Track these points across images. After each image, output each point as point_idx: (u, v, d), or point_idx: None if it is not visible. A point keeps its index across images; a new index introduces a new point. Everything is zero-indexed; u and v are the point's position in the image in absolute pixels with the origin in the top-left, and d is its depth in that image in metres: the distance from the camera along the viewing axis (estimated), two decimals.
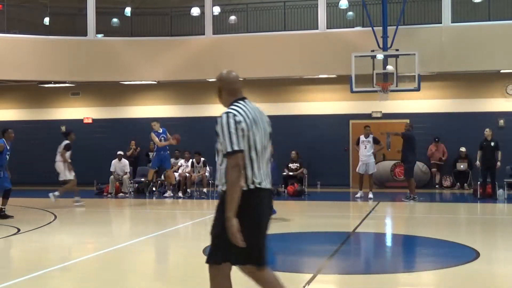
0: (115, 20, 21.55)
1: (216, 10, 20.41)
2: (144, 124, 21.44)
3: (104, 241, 11.02)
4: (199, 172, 18.25)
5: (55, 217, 13.26)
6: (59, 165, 15.34)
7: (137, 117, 21.85)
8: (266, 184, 4.55)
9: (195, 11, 20.20)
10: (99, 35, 20.30)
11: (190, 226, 12.52)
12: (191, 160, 18.46)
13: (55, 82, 21.16)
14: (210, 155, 19.34)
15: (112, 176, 18.18)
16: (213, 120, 16.73)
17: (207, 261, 4.60)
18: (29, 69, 19.35)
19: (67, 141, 15.35)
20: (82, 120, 22.40)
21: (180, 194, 17.81)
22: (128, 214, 15.19)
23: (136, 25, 21.35)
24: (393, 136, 17.47)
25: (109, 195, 17.69)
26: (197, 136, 20.97)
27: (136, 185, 18.86)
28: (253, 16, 20.53)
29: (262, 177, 4.51)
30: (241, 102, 4.59)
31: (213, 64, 19.63)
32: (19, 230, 11.28)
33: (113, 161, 18.31)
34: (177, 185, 18.13)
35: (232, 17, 20.91)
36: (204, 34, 19.99)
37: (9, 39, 19.32)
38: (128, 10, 21.22)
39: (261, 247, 4.60)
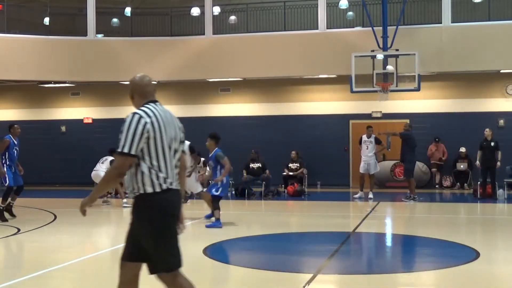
0: (115, 20, 21.55)
1: (216, 10, 20.41)
2: None
3: (103, 241, 11.03)
4: (199, 172, 18.22)
5: (55, 217, 13.26)
6: (100, 174, 15.41)
7: None
8: (175, 185, 4.57)
9: (195, 11, 20.19)
10: (99, 35, 20.31)
11: (189, 226, 12.51)
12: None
13: (55, 82, 21.15)
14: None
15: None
16: (213, 120, 16.71)
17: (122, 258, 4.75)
18: (29, 69, 19.35)
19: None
20: (82, 120, 22.41)
21: None
22: (128, 214, 15.17)
23: (136, 25, 21.35)
24: (393, 136, 17.45)
25: (108, 195, 17.66)
26: (196, 137, 20.94)
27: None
28: (253, 16, 20.53)
29: (171, 178, 4.51)
30: (151, 104, 4.59)
31: (213, 64, 19.68)
32: (19, 230, 11.29)
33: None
34: None
35: (232, 17, 20.90)
36: (204, 34, 20.00)
37: (9, 39, 19.31)
38: (128, 10, 21.22)
39: (176, 248, 4.62)
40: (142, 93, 4.69)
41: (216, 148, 12.31)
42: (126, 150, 4.34)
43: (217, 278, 7.52)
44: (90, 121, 22.39)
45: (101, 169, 15.67)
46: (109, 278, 7.53)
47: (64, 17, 22.10)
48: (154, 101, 4.65)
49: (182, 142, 4.72)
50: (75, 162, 21.23)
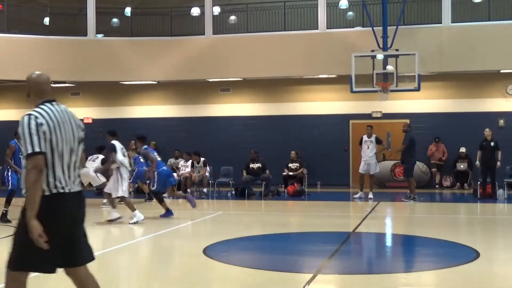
0: (115, 20, 21.56)
1: (216, 10, 20.41)
2: (145, 124, 21.50)
3: (103, 241, 11.02)
4: (199, 172, 18.27)
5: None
6: (89, 171, 15.46)
7: (137, 117, 21.87)
8: (73, 188, 4.49)
9: (195, 11, 20.20)
10: (99, 35, 20.32)
11: (190, 226, 12.52)
12: (190, 160, 18.46)
13: (55, 82, 21.10)
14: (210, 155, 19.42)
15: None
16: (213, 120, 16.73)
17: (8, 266, 4.47)
18: (29, 69, 18.90)
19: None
20: (82, 120, 22.38)
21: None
22: (128, 214, 15.17)
23: (136, 25, 21.36)
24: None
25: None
26: (196, 136, 21.00)
27: (136, 185, 18.81)
28: (253, 16, 20.54)
29: (66, 181, 4.44)
30: (47, 104, 4.52)
31: (213, 64, 19.69)
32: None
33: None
34: (177, 185, 18.13)
35: (232, 17, 20.91)
36: (204, 34, 20.01)
37: (9, 39, 19.33)
38: (128, 10, 21.23)
39: (62, 251, 4.50)
40: (38, 91, 4.60)
41: (143, 147, 13.20)
42: (36, 149, 4.27)
43: (216, 278, 7.52)
44: (90, 121, 22.37)
45: (91, 166, 15.60)
46: (108, 278, 7.54)
47: (64, 17, 22.11)
48: (51, 101, 4.58)
49: (81, 141, 4.66)
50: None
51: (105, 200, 15.20)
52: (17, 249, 4.44)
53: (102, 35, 20.56)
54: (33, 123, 4.32)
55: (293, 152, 18.96)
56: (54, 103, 4.57)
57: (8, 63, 18.98)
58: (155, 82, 21.01)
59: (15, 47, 19.24)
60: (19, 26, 20.73)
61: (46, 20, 20.97)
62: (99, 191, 16.12)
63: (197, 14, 20.20)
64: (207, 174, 18.26)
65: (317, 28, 19.41)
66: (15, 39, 19.43)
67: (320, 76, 20.14)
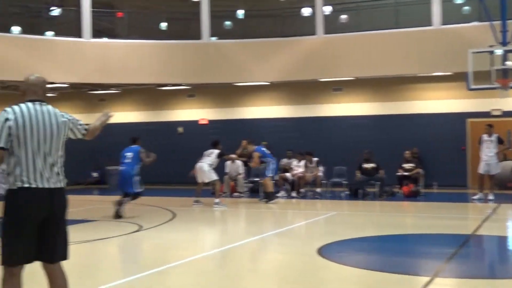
0: (228, 23, 22.02)
1: (327, 9, 20.33)
2: (257, 125, 21.81)
3: (220, 239, 11.32)
4: (312, 172, 18.30)
5: (174, 215, 13.74)
6: (204, 167, 15.91)
7: (250, 118, 22.21)
8: (40, 184, 4.63)
9: (306, 11, 20.25)
10: (213, 38, 20.79)
11: (304, 226, 12.58)
12: (303, 160, 18.53)
13: (172, 85, 21.90)
14: (323, 155, 19.40)
15: (226, 176, 18.60)
16: (326, 120, 16.77)
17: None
18: (148, 72, 20.11)
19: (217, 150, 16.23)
20: (197, 121, 23.05)
21: (294, 194, 18.00)
22: (243, 213, 15.48)
23: (248, 27, 21.69)
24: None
25: (223, 194, 18.08)
26: (309, 136, 21.03)
27: (251, 184, 19.15)
28: (364, 14, 20.29)
29: (36, 177, 4.61)
30: (28, 103, 4.77)
31: (324, 64, 19.63)
32: (141, 227, 11.81)
33: (227, 162, 18.67)
34: (291, 185, 18.30)
35: (344, 16, 20.76)
36: (315, 34, 19.99)
37: (130, 44, 20.18)
38: (240, 13, 21.62)
39: (24, 247, 4.62)
40: (26, 91, 4.89)
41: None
42: None
43: (331, 279, 7.52)
44: (205, 122, 22.97)
45: (205, 161, 15.96)
46: (225, 275, 7.74)
47: (180, 22, 22.84)
48: (34, 100, 4.82)
49: (57, 140, 4.79)
50: (189, 162, 21.71)
51: (217, 200, 15.58)
52: (1, 245, 4.68)
53: (216, 38, 21.04)
54: (1, 118, 4.65)
55: (407, 152, 18.57)
56: (36, 103, 4.82)
57: (129, 67, 19.82)
58: (268, 83, 21.24)
59: (135, 52, 20.07)
60: (138, 31, 21.62)
61: (163, 25, 21.77)
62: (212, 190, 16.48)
63: (308, 14, 20.23)
64: (320, 174, 18.26)
65: (431, 25, 18.86)
66: (135, 44, 20.27)
67: (435, 74, 19.58)
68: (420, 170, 18.21)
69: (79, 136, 5.08)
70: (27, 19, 21.07)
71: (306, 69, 19.72)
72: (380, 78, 20.06)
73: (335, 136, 21.00)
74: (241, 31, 21.53)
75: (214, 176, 15.83)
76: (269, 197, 16.22)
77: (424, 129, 20.02)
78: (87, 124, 5.14)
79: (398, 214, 14.83)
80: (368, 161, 17.89)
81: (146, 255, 9.75)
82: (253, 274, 7.94)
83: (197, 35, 20.32)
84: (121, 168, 13.76)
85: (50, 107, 4.86)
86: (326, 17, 20.17)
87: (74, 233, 4.89)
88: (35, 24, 20.90)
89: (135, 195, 13.59)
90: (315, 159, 18.49)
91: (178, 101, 23.50)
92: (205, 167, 15.81)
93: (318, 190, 18.00)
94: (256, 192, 18.04)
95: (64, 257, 4.84)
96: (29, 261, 4.69)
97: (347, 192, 18.08)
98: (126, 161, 13.60)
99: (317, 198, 17.51)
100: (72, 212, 4.86)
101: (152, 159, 13.93)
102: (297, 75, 20.03)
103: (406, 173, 18.21)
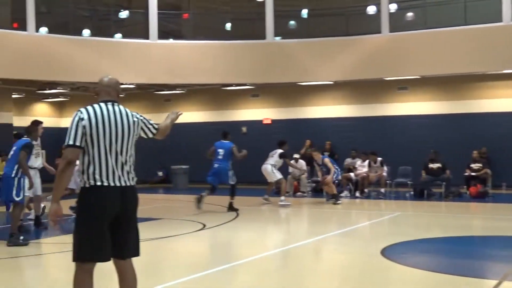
0: (292, 22, 22.04)
1: (393, 7, 20.06)
2: (321, 124, 21.75)
3: (283, 238, 11.37)
4: (376, 172, 18.12)
5: (238, 214, 13.89)
6: (268, 168, 16.29)
7: (314, 117, 22.17)
8: (111, 182, 4.70)
9: (371, 9, 20.04)
10: (277, 38, 20.84)
11: (368, 226, 12.49)
12: (367, 160, 18.37)
13: (236, 85, 22.07)
14: (387, 155, 19.17)
15: (289, 176, 18.63)
16: (391, 120, 16.53)
17: (72, 259, 4.78)
18: (213, 72, 20.34)
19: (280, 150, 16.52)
20: (261, 121, 23.17)
21: (357, 194, 17.89)
22: (306, 213, 15.48)
23: (312, 26, 21.64)
24: None
25: (286, 194, 18.12)
26: (373, 136, 20.82)
27: (314, 184, 19.12)
28: (431, 11, 19.92)
29: (105, 175, 4.69)
30: (100, 103, 4.87)
31: (390, 63, 19.37)
32: (204, 225, 11.99)
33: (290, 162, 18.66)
34: (355, 185, 18.19)
35: (410, 14, 20.44)
36: (380, 32, 19.75)
37: (195, 45, 20.47)
38: (304, 12, 21.59)
39: (96, 243, 4.69)
40: (100, 91, 4.99)
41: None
42: (70, 142, 4.68)
43: (395, 280, 7.45)
44: (269, 122, 23.06)
45: (269, 162, 16.23)
46: (288, 274, 7.78)
47: (244, 22, 22.99)
48: (107, 101, 4.90)
49: (128, 139, 4.86)
50: (252, 162, 21.80)
51: (282, 197, 15.69)
52: (74, 242, 4.80)
53: (280, 37, 21.08)
54: (76, 118, 4.76)
55: (475, 151, 18.14)
56: (109, 103, 4.91)
57: (194, 68, 20.09)
58: (331, 82, 21.14)
59: (200, 52, 20.32)
60: (204, 32, 21.91)
61: (228, 26, 21.99)
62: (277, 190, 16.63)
63: (373, 12, 20.03)
64: (384, 174, 18.06)
65: (501, 21, 18.34)
66: (200, 45, 20.53)
67: (505, 71, 19.03)
68: (488, 170, 17.76)
69: (150, 135, 5.18)
70: (96, 22, 21.66)
71: (370, 68, 19.51)
72: (446, 76, 19.66)
73: (400, 135, 20.71)
74: (305, 30, 21.50)
75: (278, 176, 16.11)
76: (336, 197, 16.17)
77: (493, 128, 19.50)
78: (157, 124, 5.26)
79: (465, 216, 14.51)
80: (433, 161, 17.58)
81: (209, 254, 9.90)
82: (315, 274, 7.95)
83: (261, 35, 20.40)
84: (215, 165, 14.59)
85: (122, 107, 4.98)
86: (392, 15, 19.89)
87: (140, 231, 5.00)
88: (103, 26, 21.46)
89: (233, 186, 14.47)
90: (379, 159, 18.31)
91: (242, 101, 23.68)
92: (269, 168, 16.19)
93: (382, 190, 17.81)
94: (319, 192, 18.00)
95: (136, 253, 4.95)
96: (101, 259, 4.77)
97: (412, 193, 17.82)
98: (219, 157, 14.51)
99: (381, 198, 17.34)
100: (139, 210, 4.98)
101: (243, 154, 14.61)
102: (361, 74, 19.84)
103: (473, 174, 17.80)
